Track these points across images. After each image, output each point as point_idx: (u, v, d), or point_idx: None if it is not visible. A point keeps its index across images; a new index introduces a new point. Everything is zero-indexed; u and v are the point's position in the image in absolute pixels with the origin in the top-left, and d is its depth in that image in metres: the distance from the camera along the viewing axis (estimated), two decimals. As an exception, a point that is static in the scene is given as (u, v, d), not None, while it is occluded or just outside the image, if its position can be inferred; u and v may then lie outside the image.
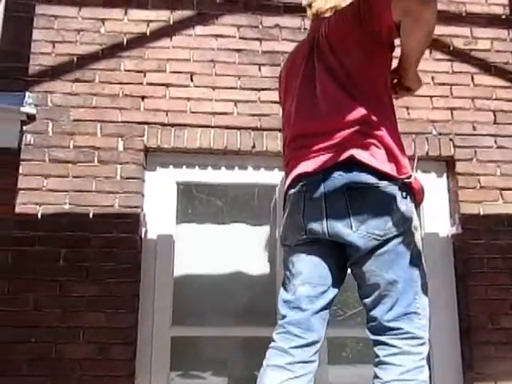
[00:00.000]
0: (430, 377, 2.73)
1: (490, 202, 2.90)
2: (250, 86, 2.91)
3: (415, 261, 1.52)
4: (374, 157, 1.48)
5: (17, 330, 2.47)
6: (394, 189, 1.48)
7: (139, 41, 2.91)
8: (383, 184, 1.47)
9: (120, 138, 2.76)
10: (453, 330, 2.82)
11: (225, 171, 2.88)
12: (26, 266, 2.55)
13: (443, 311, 2.82)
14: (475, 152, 2.96)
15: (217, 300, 2.85)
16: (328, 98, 1.56)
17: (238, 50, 2.95)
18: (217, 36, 2.97)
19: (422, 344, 1.49)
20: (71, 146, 2.71)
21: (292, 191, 1.60)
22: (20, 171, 2.64)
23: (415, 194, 1.55)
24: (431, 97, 3.01)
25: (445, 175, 3.03)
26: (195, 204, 3.04)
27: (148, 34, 2.93)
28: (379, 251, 1.48)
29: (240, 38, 2.96)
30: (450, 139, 2.96)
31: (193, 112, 2.84)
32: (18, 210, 2.60)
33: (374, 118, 1.51)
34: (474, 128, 2.99)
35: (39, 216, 2.60)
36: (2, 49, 2.71)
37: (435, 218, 2.95)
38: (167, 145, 2.78)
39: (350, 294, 3.03)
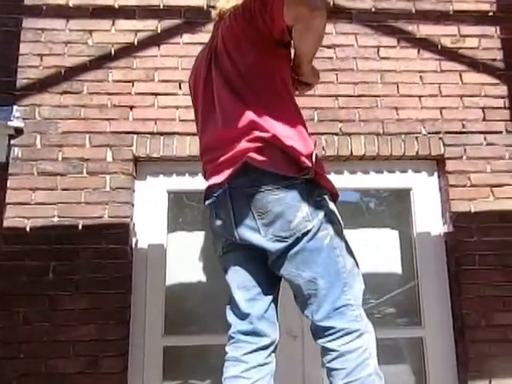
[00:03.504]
0: (425, 376, 2.51)
1: (481, 200, 2.64)
2: (238, 92, 2.62)
3: (335, 253, 1.37)
4: (270, 159, 1.34)
5: (6, 346, 2.24)
6: (295, 187, 1.34)
7: (127, 51, 2.65)
8: (282, 184, 1.33)
9: (109, 149, 2.50)
10: (447, 328, 2.56)
11: (215, 178, 2.58)
12: (15, 281, 2.31)
13: (437, 310, 2.59)
14: (465, 150, 2.69)
15: (210, 308, 2.55)
16: (222, 105, 1.43)
17: (225, 57, 2.64)
18: (205, 44, 2.65)
19: (359, 336, 1.34)
20: (59, 158, 2.47)
21: (207, 203, 1.50)
22: (8, 185, 2.40)
23: (324, 187, 1.41)
24: (420, 96, 2.75)
25: (436, 174, 2.77)
26: (186, 212, 2.76)
27: (136, 43, 2.67)
28: (292, 252, 1.35)
29: (227, 44, 2.64)
30: (440, 138, 2.69)
31: (182, 120, 2.57)
32: (6, 224, 2.36)
33: (267, 118, 1.37)
34: (464, 126, 2.72)
35: (28, 230, 2.36)
36: (-11, 63, 2.45)
37: (427, 217, 2.71)
38: (156, 154, 2.52)
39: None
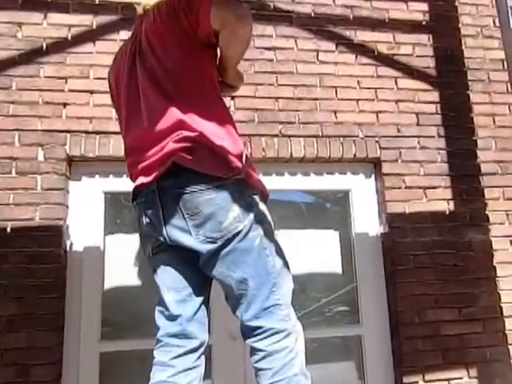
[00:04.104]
0: (363, 374, 2.69)
1: (415, 201, 2.85)
2: (177, 91, 2.68)
3: (265, 253, 1.41)
4: (199, 159, 1.37)
5: None
6: (226, 188, 1.38)
7: (60, 46, 2.65)
8: (213, 185, 1.37)
9: (40, 148, 2.49)
10: (383, 326, 2.75)
11: (153, 179, 2.63)
12: None
13: (374, 309, 2.77)
14: (400, 153, 2.91)
15: (150, 311, 2.59)
16: (147, 103, 1.44)
17: (164, 55, 2.71)
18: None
19: (286, 336, 1.39)
20: (-15, 158, 2.41)
21: (134, 204, 1.53)
22: None
23: (254, 188, 1.46)
24: (357, 100, 2.93)
25: (373, 176, 2.95)
26: (124, 213, 2.78)
27: (69, 38, 2.67)
28: (223, 252, 1.38)
29: (166, 42, 2.71)
30: (376, 141, 2.88)
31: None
32: None
33: (195, 118, 1.39)
34: (399, 130, 2.94)
35: (-49, 233, 2.29)
36: None
37: (365, 219, 2.89)
38: (92, 153, 2.54)
39: (303, 294, 2.89)
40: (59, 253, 2.38)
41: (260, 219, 1.42)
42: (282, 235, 1.51)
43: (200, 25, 1.37)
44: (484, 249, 2.83)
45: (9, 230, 2.35)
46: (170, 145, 1.38)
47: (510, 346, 2.72)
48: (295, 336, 1.40)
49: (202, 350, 1.48)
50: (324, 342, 2.82)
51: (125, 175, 2.56)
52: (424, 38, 3.12)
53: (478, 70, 3.13)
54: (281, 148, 2.74)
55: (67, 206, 2.51)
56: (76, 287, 2.44)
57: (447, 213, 2.85)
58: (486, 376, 2.67)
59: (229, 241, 1.37)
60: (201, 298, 1.49)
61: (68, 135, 2.52)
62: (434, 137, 2.96)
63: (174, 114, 1.39)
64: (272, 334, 1.37)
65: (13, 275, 2.30)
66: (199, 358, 1.46)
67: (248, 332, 1.40)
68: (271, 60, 2.86)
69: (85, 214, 2.55)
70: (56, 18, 2.67)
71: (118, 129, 2.53)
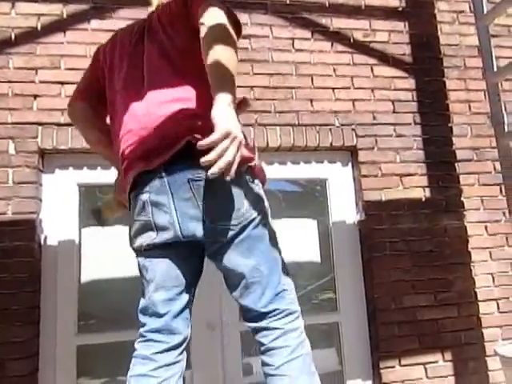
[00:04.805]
0: (341, 359, 2.77)
1: (391, 189, 2.91)
2: (151, 81, 2.69)
3: (273, 241, 1.45)
4: None
5: None
6: (240, 175, 1.36)
7: (29, 36, 2.63)
8: None
9: (11, 141, 2.49)
10: (361, 312, 2.83)
11: (128, 170, 2.66)
12: None
13: (352, 296, 2.84)
14: (376, 141, 2.95)
15: (127, 303, 2.63)
16: (157, 80, 1.40)
17: (137, 45, 2.71)
18: (114, 30, 2.68)
19: (297, 317, 1.45)
20: (-46, 151, 2.40)
21: (134, 193, 1.45)
22: None
23: (258, 175, 1.48)
24: (333, 89, 2.97)
25: (350, 165, 2.99)
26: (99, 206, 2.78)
27: (39, 28, 2.64)
28: (237, 240, 1.39)
29: (139, 32, 2.71)
30: (353, 129, 2.92)
31: (91, 110, 2.58)
32: None
33: (205, 99, 1.32)
34: (375, 118, 2.98)
35: None
36: None
37: (342, 207, 2.94)
38: (64, 146, 2.54)
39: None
40: (33, 247, 2.40)
41: (267, 208, 1.47)
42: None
43: (195, 20, 1.39)
44: (459, 235, 2.92)
45: (-20, 225, 2.36)
46: (181, 123, 1.32)
47: (483, 330, 2.82)
48: (302, 320, 1.47)
49: (185, 345, 1.48)
50: (309, 328, 2.88)
51: (99, 167, 2.63)
52: (400, 25, 3.15)
53: (453, 57, 3.18)
54: (257, 137, 2.77)
55: (40, 200, 2.52)
56: (51, 281, 2.46)
57: (423, 200, 2.92)
58: (461, 359, 2.76)
59: (244, 228, 1.38)
60: (189, 296, 1.49)
61: (39, 127, 2.52)
62: (410, 124, 3.01)
63: (188, 92, 1.36)
64: (287, 315, 1.42)
65: (-15, 270, 2.31)
66: (181, 353, 1.47)
67: (262, 317, 1.42)
68: (246, 48, 2.87)
69: (59, 207, 2.56)
70: (24, 7, 2.65)
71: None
